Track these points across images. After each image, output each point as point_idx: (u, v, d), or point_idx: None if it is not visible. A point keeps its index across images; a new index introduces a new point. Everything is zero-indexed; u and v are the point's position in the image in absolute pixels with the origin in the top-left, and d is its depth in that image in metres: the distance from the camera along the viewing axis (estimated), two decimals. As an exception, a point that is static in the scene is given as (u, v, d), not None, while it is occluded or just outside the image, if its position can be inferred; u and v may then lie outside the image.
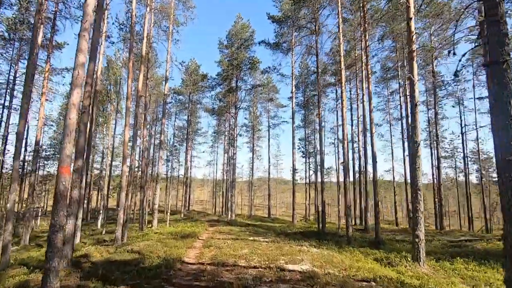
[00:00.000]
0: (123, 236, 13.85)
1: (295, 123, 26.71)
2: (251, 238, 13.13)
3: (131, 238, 14.23)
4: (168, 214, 19.23)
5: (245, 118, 43.66)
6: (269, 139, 38.19)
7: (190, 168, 44.50)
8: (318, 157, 19.85)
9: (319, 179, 18.69)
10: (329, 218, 46.64)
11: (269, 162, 38.14)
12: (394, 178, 31.38)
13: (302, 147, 28.45)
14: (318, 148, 20.05)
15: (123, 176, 13.02)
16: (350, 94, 32.45)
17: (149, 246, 11.26)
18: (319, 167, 18.68)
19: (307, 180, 34.54)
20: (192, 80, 28.44)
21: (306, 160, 33.17)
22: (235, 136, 27.26)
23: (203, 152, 48.12)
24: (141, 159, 18.27)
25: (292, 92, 24.51)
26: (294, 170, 23.57)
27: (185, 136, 34.78)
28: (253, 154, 37.31)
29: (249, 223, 24.53)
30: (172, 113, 35.40)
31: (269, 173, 37.83)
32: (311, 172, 30.71)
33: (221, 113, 28.83)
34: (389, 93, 33.83)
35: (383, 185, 48.85)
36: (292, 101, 24.19)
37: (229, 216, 31.06)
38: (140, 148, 22.85)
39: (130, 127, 14.17)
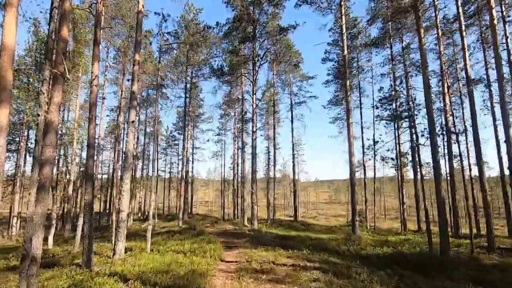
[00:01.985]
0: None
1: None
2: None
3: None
4: (150, 226, 10.65)
5: (258, 99, 35.19)
6: (292, 121, 29.59)
7: (192, 162, 36.11)
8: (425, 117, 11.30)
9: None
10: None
11: (293, 150, 29.57)
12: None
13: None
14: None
15: None
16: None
17: None
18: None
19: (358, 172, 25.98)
20: (190, 33, 19.90)
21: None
22: (254, 107, 18.71)
23: (208, 141, 39.11)
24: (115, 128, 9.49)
25: (342, 25, 15.70)
26: (351, 152, 14.95)
27: (184, 119, 26.21)
28: (274, 140, 28.82)
29: (282, 234, 16.01)
30: (166, 86, 26.93)
31: (293, 164, 29.23)
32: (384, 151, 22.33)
33: (234, 72, 20.16)
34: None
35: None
36: (343, 43, 15.48)
37: (245, 221, 22.51)
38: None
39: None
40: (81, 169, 32.36)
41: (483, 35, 19.15)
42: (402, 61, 22.80)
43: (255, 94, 18.95)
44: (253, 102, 18.88)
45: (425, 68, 10.01)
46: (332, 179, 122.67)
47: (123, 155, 9.98)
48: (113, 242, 13.76)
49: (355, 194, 14.83)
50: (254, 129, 18.47)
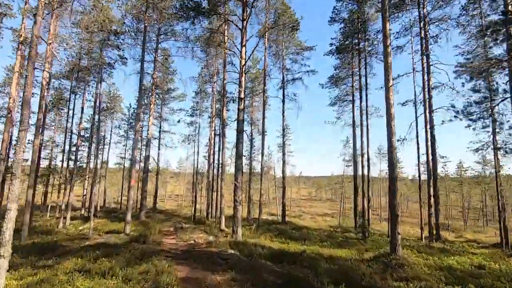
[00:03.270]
0: None
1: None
2: None
3: None
4: None
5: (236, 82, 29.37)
6: (283, 101, 24.13)
7: (159, 148, 29.66)
8: None
9: None
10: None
11: (283, 137, 24.22)
12: None
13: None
14: None
15: None
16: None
17: None
18: None
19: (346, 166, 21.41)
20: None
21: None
22: (243, 64, 13.00)
23: (178, 122, 31.37)
24: None
25: None
26: (391, 131, 9.78)
27: (139, 85, 19.82)
28: (263, 123, 23.28)
29: (279, 249, 10.60)
30: (122, 44, 20.21)
31: (284, 153, 23.88)
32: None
33: (216, 9, 13.96)
34: None
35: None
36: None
37: (223, 224, 16.98)
38: None
39: None
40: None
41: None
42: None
43: (244, 46, 13.18)
44: (241, 58, 13.10)
45: None
46: (307, 175, 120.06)
47: None
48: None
49: (396, 193, 9.70)
50: (242, 95, 12.73)
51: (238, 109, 12.82)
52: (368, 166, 23.05)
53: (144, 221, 18.53)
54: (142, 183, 19.75)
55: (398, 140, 21.98)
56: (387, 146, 10.17)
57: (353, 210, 23.78)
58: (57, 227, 17.92)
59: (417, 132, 18.05)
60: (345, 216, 36.90)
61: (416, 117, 18.14)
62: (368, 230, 16.05)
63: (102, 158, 31.12)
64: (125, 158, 33.00)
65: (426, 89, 18.18)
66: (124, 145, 32.88)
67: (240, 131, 12.47)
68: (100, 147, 30.08)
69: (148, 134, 20.01)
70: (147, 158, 19.75)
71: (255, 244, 11.63)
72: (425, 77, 17.30)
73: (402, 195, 49.90)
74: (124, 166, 33.30)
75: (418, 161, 17.92)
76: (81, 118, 20.73)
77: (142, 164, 27.40)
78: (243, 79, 12.99)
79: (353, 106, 24.60)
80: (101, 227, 17.68)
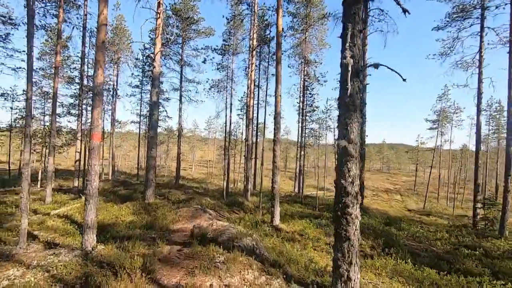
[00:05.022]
0: None
1: None
2: None
3: None
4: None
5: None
6: (365, 20, 15.00)
7: (181, 101, 22.54)
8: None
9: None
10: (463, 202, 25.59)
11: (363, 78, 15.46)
12: None
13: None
14: None
15: None
16: None
17: None
18: None
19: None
20: None
21: None
22: None
23: (204, 61, 22.26)
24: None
25: None
26: None
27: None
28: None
29: None
30: None
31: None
32: None
33: None
34: None
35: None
36: None
37: (277, 219, 9.57)
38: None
39: None
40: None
41: None
42: None
43: None
44: None
45: None
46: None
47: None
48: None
49: None
50: None
51: None
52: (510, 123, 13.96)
53: (151, 205, 11.77)
54: (148, 146, 12.83)
55: None
56: None
57: (474, 195, 15.20)
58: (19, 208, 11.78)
59: None
60: (417, 194, 28.22)
61: None
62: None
63: (112, 115, 24.94)
64: (141, 115, 26.55)
65: None
66: (139, 99, 26.23)
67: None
68: (106, 99, 23.68)
69: (154, 69, 12.54)
70: (154, 105, 12.51)
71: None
72: None
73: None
74: (140, 127, 27.00)
75: None
76: (57, 45, 13.65)
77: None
78: None
79: (481, 26, 15.16)
80: (81, 214, 11.23)
